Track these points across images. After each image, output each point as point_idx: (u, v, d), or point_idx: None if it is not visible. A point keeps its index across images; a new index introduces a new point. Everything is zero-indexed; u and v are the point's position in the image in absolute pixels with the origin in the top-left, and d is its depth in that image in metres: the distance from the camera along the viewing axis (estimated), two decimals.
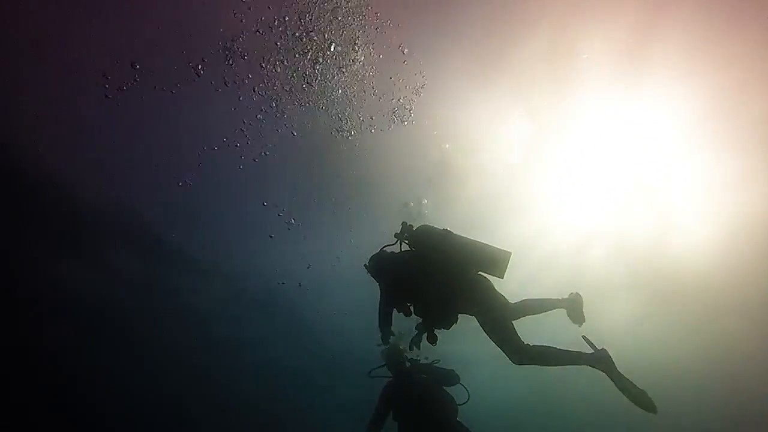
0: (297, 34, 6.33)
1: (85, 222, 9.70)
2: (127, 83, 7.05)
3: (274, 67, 6.71)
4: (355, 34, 6.47)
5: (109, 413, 14.46)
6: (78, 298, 11.15)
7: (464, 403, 4.57)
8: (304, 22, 6.19)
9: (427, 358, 4.76)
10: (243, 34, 6.39)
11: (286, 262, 10.85)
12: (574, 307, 4.03)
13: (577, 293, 4.09)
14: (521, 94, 8.43)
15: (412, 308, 3.82)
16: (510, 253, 3.61)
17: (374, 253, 4.02)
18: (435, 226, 3.89)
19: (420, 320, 3.86)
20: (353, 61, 6.77)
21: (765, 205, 10.24)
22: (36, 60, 7.12)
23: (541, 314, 4.06)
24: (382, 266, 3.88)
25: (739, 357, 15.41)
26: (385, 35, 6.61)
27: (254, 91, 7.06)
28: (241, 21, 6.23)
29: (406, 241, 3.86)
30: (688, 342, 14.78)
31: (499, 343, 3.62)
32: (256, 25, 6.26)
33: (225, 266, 11.40)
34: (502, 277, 3.61)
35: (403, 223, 3.90)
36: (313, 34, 6.33)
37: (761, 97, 8.40)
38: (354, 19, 6.29)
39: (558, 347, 3.61)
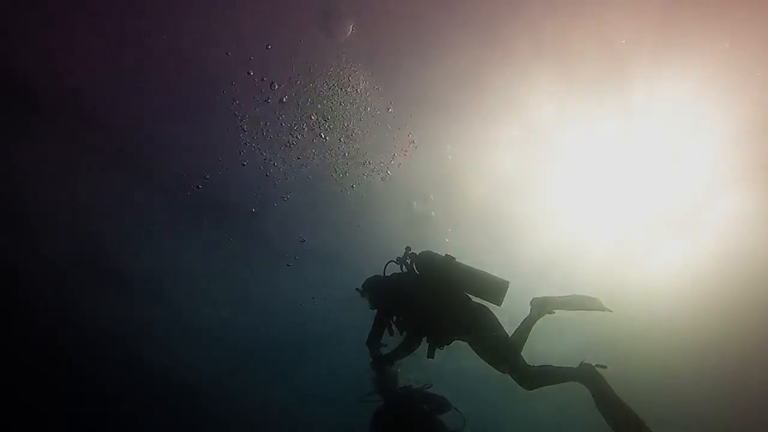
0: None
1: None
2: None
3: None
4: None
5: None
6: None
7: (461, 429, 4.44)
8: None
9: (418, 382, 4.63)
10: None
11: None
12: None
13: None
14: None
15: (401, 329, 3.95)
16: (508, 283, 3.77)
17: (367, 278, 4.18)
18: (437, 253, 4.07)
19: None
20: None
21: None
22: None
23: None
24: (381, 288, 4.01)
25: None
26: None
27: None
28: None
29: (407, 263, 4.04)
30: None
31: (503, 369, 3.79)
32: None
33: None
34: (499, 305, 3.78)
35: (407, 248, 4.07)
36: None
37: None
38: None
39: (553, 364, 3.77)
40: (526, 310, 4.19)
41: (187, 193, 8.49)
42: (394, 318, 3.96)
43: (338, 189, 8.30)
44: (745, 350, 13.13)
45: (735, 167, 8.64)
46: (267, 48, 6.30)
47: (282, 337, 12.63)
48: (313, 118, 6.97)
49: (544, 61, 7.22)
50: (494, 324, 3.86)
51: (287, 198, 8.49)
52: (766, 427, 14.55)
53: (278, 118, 6.95)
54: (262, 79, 6.46)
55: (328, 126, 7.10)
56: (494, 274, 3.87)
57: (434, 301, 3.78)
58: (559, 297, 4.12)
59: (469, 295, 3.90)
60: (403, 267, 4.05)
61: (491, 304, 3.81)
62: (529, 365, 3.74)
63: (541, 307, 4.08)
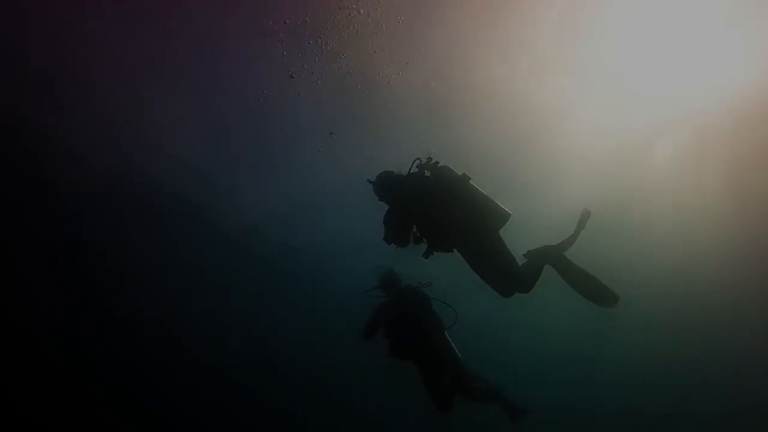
0: None
1: None
2: None
3: None
4: None
5: None
6: None
7: (453, 324, 4.88)
8: None
9: (420, 283, 5.05)
10: None
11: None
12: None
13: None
14: None
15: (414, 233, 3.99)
16: (509, 215, 3.82)
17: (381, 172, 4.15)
18: (454, 169, 4.02)
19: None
20: None
21: None
22: None
23: None
24: (390, 182, 4.03)
25: None
26: None
27: None
28: None
29: (427, 168, 4.00)
30: None
31: (489, 277, 3.87)
32: None
33: None
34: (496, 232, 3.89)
35: (429, 158, 4.04)
36: None
37: None
38: None
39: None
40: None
41: None
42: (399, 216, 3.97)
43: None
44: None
45: None
46: None
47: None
48: None
49: None
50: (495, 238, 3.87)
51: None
52: None
53: None
54: None
55: None
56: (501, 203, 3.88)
57: (439, 204, 3.80)
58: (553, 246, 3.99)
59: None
60: (425, 172, 4.04)
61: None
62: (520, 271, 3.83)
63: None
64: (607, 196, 12.36)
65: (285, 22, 7.99)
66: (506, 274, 3.80)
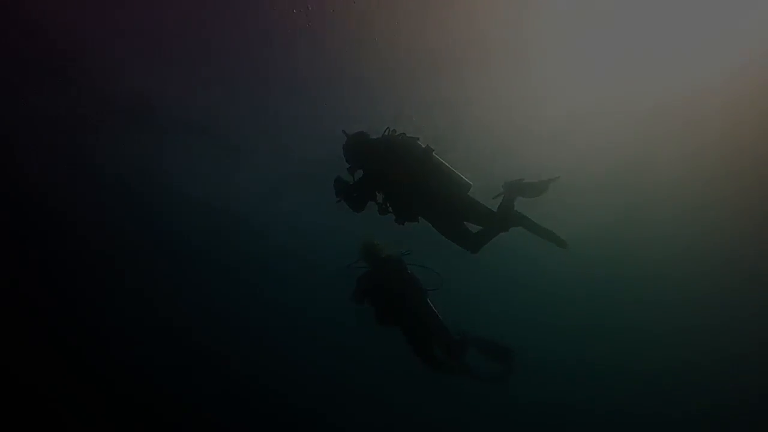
0: None
1: None
2: None
3: None
4: None
5: None
6: None
7: (436, 289, 4.91)
8: None
9: (401, 252, 5.11)
10: None
11: None
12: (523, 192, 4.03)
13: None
14: None
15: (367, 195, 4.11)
16: (470, 186, 4.04)
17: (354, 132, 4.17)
18: (420, 143, 4.10)
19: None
20: None
21: None
22: None
23: None
24: (362, 142, 4.07)
25: None
26: None
27: None
28: None
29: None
30: None
31: (456, 239, 4.09)
32: None
33: None
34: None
35: (394, 129, 4.12)
36: None
37: None
38: None
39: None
40: None
41: None
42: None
43: None
44: None
45: None
46: None
47: None
48: None
49: None
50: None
51: None
52: None
53: None
54: None
55: None
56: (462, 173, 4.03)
57: (406, 172, 3.92)
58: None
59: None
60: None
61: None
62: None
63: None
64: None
65: None
66: (465, 238, 4.06)
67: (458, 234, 4.07)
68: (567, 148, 12.37)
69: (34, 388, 11.45)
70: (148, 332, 15.08)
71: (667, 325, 17.69)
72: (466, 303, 16.08)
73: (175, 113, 11.07)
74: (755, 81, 10.89)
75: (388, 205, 4.13)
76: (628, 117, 11.76)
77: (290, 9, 8.85)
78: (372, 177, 4.05)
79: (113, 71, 9.97)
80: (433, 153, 4.00)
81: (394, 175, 3.94)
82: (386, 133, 4.12)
